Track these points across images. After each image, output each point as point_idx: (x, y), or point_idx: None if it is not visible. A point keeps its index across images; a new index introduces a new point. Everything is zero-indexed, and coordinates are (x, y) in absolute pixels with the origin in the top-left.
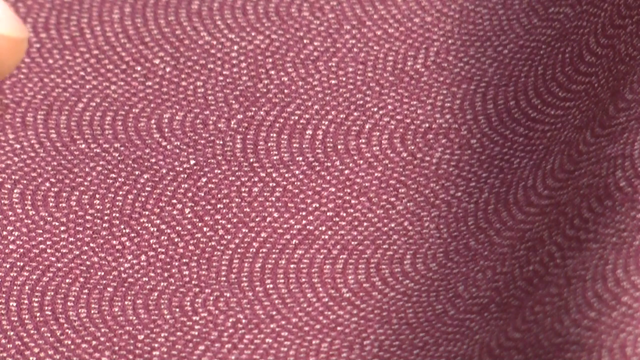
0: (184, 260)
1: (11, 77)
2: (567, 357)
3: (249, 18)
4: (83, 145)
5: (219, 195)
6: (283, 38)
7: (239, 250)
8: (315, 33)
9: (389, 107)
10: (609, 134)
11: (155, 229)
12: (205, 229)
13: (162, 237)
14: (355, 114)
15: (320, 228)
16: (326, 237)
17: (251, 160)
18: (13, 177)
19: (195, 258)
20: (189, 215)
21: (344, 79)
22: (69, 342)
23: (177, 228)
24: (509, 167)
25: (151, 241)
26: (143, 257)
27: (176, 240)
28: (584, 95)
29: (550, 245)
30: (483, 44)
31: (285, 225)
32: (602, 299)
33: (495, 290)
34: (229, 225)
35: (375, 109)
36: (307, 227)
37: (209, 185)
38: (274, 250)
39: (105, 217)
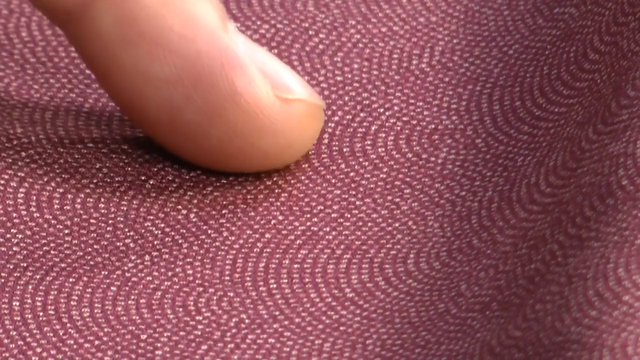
0: (188, 259)
1: (17, 79)
2: (568, 356)
3: (255, 9)
4: (91, 145)
5: (224, 202)
6: (289, 28)
7: (243, 250)
8: (320, 25)
9: (395, 107)
10: (612, 132)
11: (159, 232)
12: (209, 231)
13: (167, 239)
14: (362, 114)
15: (324, 229)
16: (330, 237)
17: None
18: (19, 174)
19: (199, 258)
20: (194, 220)
21: (349, 75)
22: (72, 342)
23: (181, 231)
24: (513, 165)
25: (155, 242)
26: (147, 257)
27: (180, 241)
28: (587, 91)
29: (552, 244)
30: (488, 45)
31: (289, 227)
32: (603, 298)
33: (497, 288)
34: (233, 228)
35: (382, 110)
36: (312, 228)
37: (215, 193)
38: (277, 250)
39: (110, 221)
